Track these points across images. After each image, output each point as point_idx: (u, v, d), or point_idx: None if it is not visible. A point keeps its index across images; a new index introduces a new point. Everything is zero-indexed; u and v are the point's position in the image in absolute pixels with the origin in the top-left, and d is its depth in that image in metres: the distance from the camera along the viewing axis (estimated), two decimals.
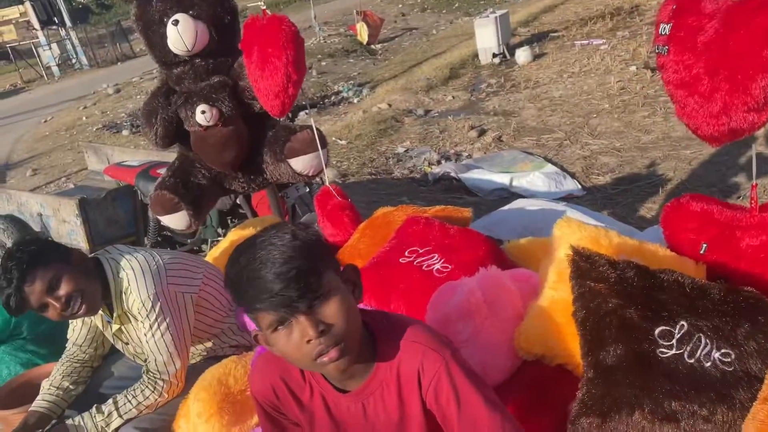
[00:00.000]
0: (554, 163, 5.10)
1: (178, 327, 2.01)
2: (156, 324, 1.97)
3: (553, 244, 1.59)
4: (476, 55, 9.87)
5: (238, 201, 3.33)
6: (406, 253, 1.88)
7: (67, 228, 3.86)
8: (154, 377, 2.00)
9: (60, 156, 10.17)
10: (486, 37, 9.60)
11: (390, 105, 8.31)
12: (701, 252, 1.50)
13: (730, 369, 1.19)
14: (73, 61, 27.65)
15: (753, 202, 1.49)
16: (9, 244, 3.98)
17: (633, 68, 7.35)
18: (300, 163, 2.48)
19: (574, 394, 1.31)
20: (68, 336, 2.23)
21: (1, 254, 2.57)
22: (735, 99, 1.16)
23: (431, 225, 1.98)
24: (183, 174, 2.57)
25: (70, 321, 2.18)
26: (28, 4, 28.85)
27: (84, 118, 13.21)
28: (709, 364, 1.20)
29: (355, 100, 9.30)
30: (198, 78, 2.46)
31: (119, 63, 25.97)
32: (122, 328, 2.07)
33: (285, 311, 1.08)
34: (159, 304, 1.97)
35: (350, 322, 1.13)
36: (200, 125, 2.40)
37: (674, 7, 1.36)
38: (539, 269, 1.64)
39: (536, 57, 9.24)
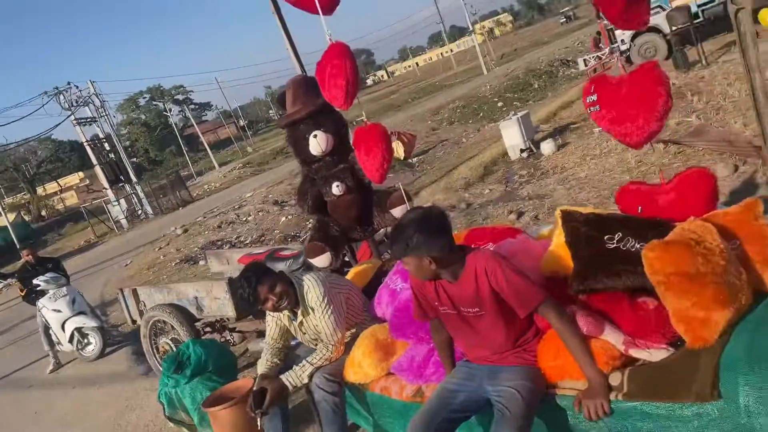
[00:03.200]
0: None
1: (337, 312, 3.26)
2: (326, 310, 3.21)
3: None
4: (506, 153, 11.11)
5: (346, 259, 4.63)
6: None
7: (218, 303, 5.05)
8: (327, 342, 3.23)
9: None
10: (512, 136, 10.91)
11: (434, 204, 9.53)
12: (639, 211, 2.74)
13: None
14: (139, 212, 30.41)
15: (662, 180, 2.75)
16: (175, 324, 5.28)
17: (647, 144, 8.39)
18: (398, 211, 3.86)
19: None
20: (266, 334, 3.47)
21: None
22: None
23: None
24: (323, 230, 3.97)
25: (267, 326, 3.44)
26: (97, 168, 32.23)
27: (162, 257, 14.63)
28: (634, 250, 2.39)
29: None
30: (328, 168, 3.92)
31: (180, 208, 28.04)
32: (303, 320, 3.30)
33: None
34: (326, 298, 3.23)
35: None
36: (335, 195, 3.83)
37: (593, 86, 2.72)
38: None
39: (560, 147, 10.23)
